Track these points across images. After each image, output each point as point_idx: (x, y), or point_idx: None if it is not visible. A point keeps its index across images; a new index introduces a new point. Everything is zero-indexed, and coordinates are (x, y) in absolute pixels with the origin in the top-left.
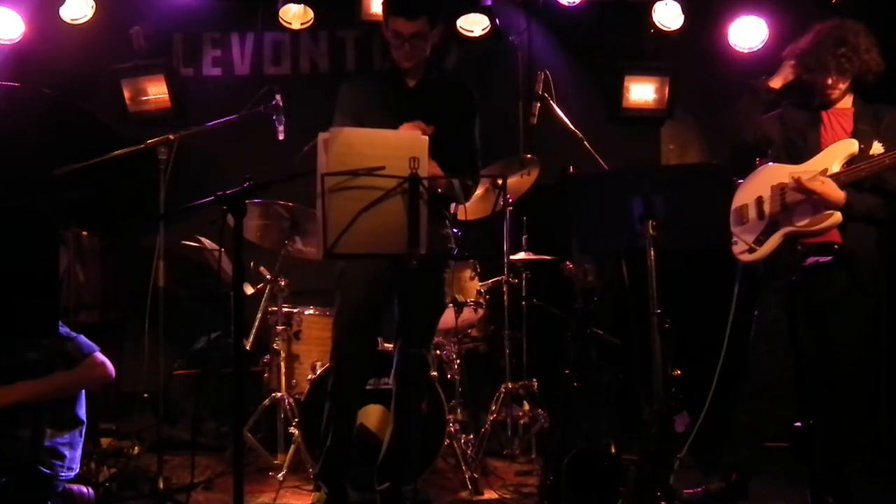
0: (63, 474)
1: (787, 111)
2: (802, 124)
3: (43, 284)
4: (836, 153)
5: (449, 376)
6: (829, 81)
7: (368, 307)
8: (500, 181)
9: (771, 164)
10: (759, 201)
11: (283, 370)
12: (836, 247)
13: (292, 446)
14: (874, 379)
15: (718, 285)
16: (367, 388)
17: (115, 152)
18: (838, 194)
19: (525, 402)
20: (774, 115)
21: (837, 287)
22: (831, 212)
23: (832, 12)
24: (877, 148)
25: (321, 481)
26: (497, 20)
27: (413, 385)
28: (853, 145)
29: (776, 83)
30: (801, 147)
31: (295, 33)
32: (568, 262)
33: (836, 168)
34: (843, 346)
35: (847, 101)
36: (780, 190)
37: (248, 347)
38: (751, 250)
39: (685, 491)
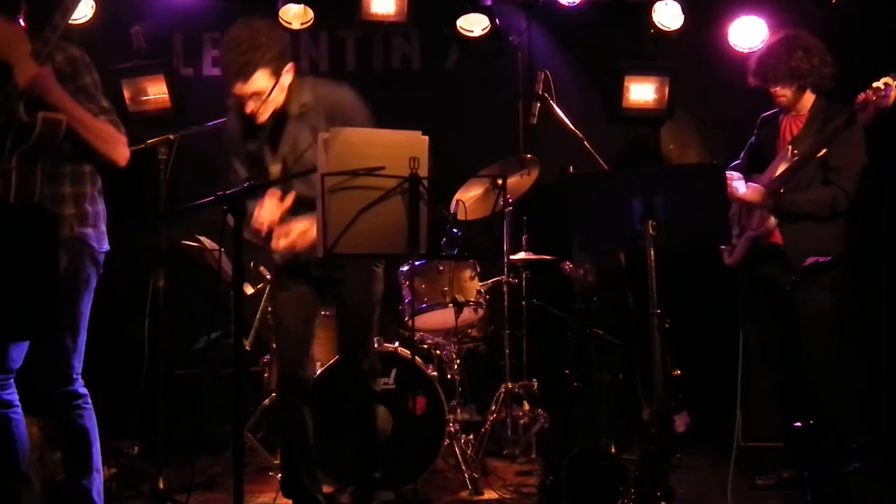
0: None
1: (758, 134)
2: (767, 138)
3: (43, 284)
4: (779, 161)
5: (449, 376)
6: (770, 90)
7: (296, 325)
8: (500, 181)
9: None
10: (739, 210)
11: None
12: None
13: None
14: (846, 375)
15: (718, 285)
16: None
17: None
18: (760, 200)
19: (525, 402)
20: (745, 153)
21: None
22: (768, 215)
23: (832, 12)
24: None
25: (284, 495)
26: (497, 20)
27: (356, 400)
28: (787, 152)
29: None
30: (764, 159)
31: (295, 33)
32: (568, 262)
33: (777, 173)
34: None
35: (805, 107)
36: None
37: (248, 347)
38: (729, 253)
39: (759, 480)
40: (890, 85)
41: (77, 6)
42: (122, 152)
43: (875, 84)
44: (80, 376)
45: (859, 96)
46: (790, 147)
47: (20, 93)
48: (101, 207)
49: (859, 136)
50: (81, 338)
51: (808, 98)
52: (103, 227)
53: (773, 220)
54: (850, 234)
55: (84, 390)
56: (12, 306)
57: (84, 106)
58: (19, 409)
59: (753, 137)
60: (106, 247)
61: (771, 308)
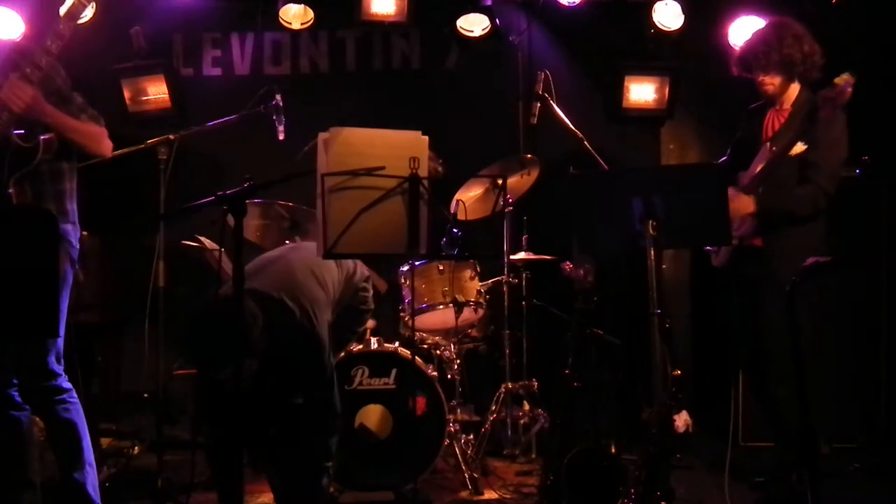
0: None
1: (743, 127)
2: (751, 132)
3: (43, 284)
4: (760, 158)
5: (449, 376)
6: (758, 79)
7: None
8: (500, 181)
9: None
10: None
11: None
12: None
13: None
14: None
15: (718, 285)
16: (367, 388)
17: (116, 152)
18: (743, 207)
19: (525, 402)
20: (731, 148)
21: (766, 288)
22: (748, 216)
23: (832, 12)
24: (798, 148)
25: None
26: (497, 20)
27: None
28: (767, 149)
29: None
30: (749, 153)
31: (295, 33)
32: (568, 262)
33: (757, 171)
34: (770, 344)
35: (790, 99)
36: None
37: None
38: (716, 255)
39: (755, 480)
40: (848, 81)
41: (69, 32)
42: (106, 145)
43: (835, 80)
44: (63, 371)
45: (819, 93)
46: (769, 143)
47: (13, 118)
48: (76, 205)
49: (839, 131)
50: (60, 333)
51: (794, 89)
52: (78, 225)
53: (750, 223)
54: (850, 235)
55: (68, 385)
56: (13, 306)
57: (64, 110)
58: (29, 414)
59: (740, 132)
60: (78, 244)
61: (752, 310)
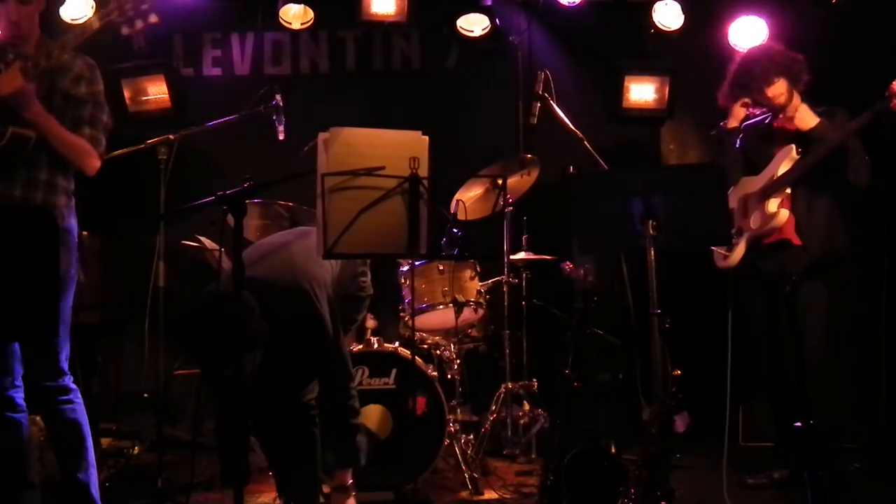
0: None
1: (745, 132)
2: (759, 139)
3: (43, 284)
4: (780, 159)
5: (449, 376)
6: (765, 94)
7: None
8: (500, 181)
9: (742, 178)
10: (735, 211)
11: None
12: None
13: None
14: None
15: (719, 284)
16: (367, 388)
17: (115, 152)
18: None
19: (525, 402)
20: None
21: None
22: (775, 212)
23: (832, 12)
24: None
25: None
26: (497, 20)
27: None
28: (791, 150)
29: (732, 123)
30: (759, 160)
31: (295, 33)
32: (568, 262)
33: (780, 172)
34: (800, 338)
35: (794, 108)
36: (744, 201)
37: None
38: (725, 256)
39: (749, 479)
40: None
41: (86, 38)
42: (89, 164)
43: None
44: (68, 371)
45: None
46: (793, 146)
47: None
48: (72, 203)
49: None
50: (66, 332)
51: (797, 99)
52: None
53: (781, 216)
54: (850, 235)
55: (73, 385)
56: (13, 306)
57: (69, 113)
58: (27, 415)
59: (738, 142)
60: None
61: (771, 306)
